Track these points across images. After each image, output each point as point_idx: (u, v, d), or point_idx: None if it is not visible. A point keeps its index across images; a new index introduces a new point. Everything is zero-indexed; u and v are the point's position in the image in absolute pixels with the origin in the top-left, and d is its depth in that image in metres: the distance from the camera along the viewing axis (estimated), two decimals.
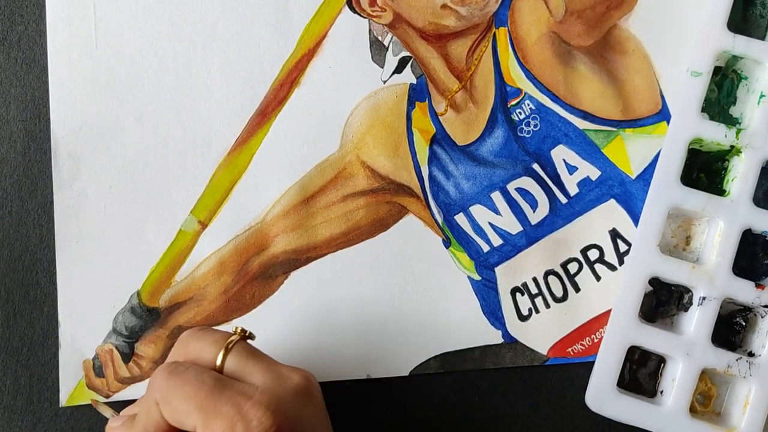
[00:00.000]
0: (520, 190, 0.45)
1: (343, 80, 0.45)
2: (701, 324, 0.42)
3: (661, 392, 0.43)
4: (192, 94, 0.45)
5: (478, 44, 0.45)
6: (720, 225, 0.43)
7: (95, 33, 0.45)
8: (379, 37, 0.45)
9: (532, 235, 0.45)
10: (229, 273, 0.44)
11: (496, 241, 0.45)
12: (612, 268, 0.44)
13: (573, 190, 0.44)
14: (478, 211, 0.45)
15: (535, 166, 0.45)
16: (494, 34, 0.45)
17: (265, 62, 0.45)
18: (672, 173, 0.43)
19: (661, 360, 0.44)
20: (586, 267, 0.44)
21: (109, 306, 0.44)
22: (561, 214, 0.45)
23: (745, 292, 0.42)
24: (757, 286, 0.42)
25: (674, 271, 0.42)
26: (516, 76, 0.45)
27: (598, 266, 0.44)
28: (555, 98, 0.45)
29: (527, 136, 0.45)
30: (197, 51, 0.45)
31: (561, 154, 0.45)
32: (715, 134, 0.43)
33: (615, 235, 0.44)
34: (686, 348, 0.42)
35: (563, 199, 0.45)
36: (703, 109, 0.43)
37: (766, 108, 0.43)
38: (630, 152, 0.44)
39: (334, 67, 0.45)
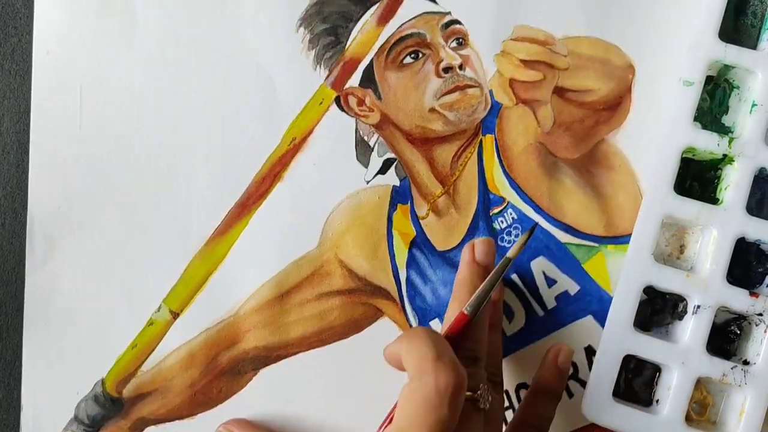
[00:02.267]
0: None
1: (327, 178, 0.45)
2: (696, 332, 0.42)
3: (657, 401, 0.43)
4: (174, 181, 0.45)
5: (463, 150, 0.45)
6: (714, 233, 0.42)
7: (80, 114, 0.45)
8: (365, 137, 0.45)
9: (507, 347, 0.44)
10: (197, 366, 0.44)
11: None
12: (585, 385, 0.44)
13: (551, 303, 0.44)
14: None
15: (514, 277, 0.44)
16: (481, 140, 0.45)
17: (249, 154, 0.45)
18: (665, 182, 0.42)
19: (656, 369, 0.43)
20: None
21: (73, 392, 0.44)
22: (537, 328, 0.44)
23: (739, 300, 0.42)
24: (752, 294, 0.42)
25: (669, 280, 0.42)
26: (500, 185, 0.45)
27: (571, 383, 0.44)
28: (538, 209, 0.44)
29: (507, 245, 0.44)
30: (182, 138, 0.45)
31: (541, 266, 0.44)
32: (708, 143, 0.43)
33: (590, 352, 0.44)
34: (681, 357, 0.42)
35: (540, 312, 0.44)
36: (696, 118, 0.43)
37: (759, 117, 0.42)
38: (610, 269, 0.44)
39: (318, 163, 0.45)
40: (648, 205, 0.42)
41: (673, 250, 0.44)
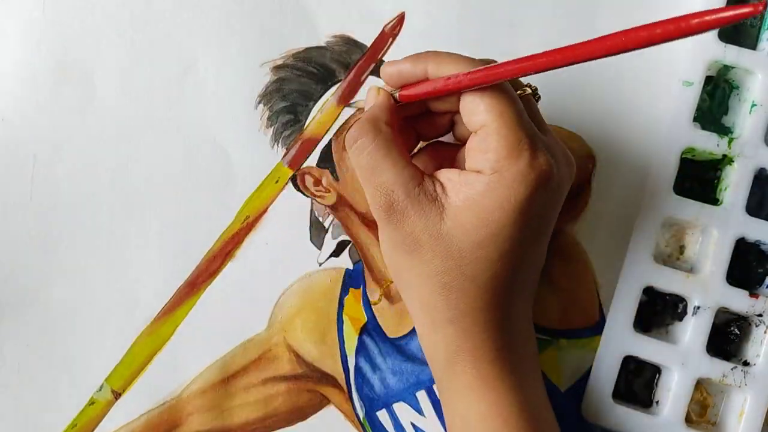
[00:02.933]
0: None
1: (279, 258, 0.44)
2: (696, 333, 0.42)
3: (657, 402, 0.43)
4: (124, 256, 0.44)
5: None
6: (713, 234, 0.42)
7: (32, 184, 0.44)
8: (320, 218, 0.44)
9: None
10: None
11: None
12: None
13: None
14: (401, 409, 0.43)
15: None
16: None
17: (201, 231, 0.44)
18: (665, 183, 0.43)
19: (656, 370, 0.43)
20: None
21: None
22: None
23: (739, 301, 0.42)
24: (752, 295, 0.42)
25: (668, 281, 0.42)
26: None
27: None
28: None
29: None
30: (135, 212, 0.44)
31: None
32: (708, 143, 0.43)
33: None
34: (681, 358, 0.42)
35: None
36: (696, 119, 0.43)
37: (758, 117, 0.43)
38: (562, 364, 0.43)
39: (271, 243, 0.44)
40: (647, 206, 0.42)
41: (672, 251, 0.44)
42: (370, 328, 0.44)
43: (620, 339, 0.42)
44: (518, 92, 0.35)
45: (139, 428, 0.43)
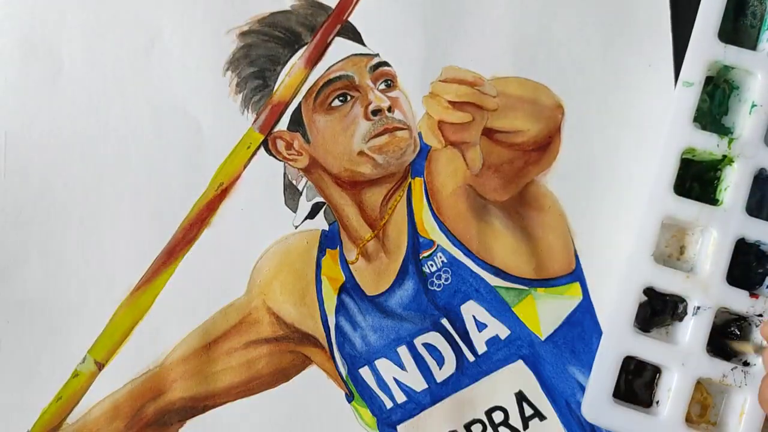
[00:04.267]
0: (428, 346, 0.44)
1: (255, 223, 0.44)
2: (696, 333, 0.42)
3: (657, 402, 0.43)
4: (99, 229, 0.44)
5: (393, 193, 0.44)
6: (713, 234, 0.42)
7: (4, 162, 0.44)
8: (294, 181, 0.45)
9: (437, 393, 0.43)
10: (122, 418, 0.43)
11: (400, 397, 0.43)
12: None
13: (481, 348, 0.44)
14: (383, 365, 0.44)
15: (444, 321, 0.44)
16: (410, 183, 0.44)
17: (175, 200, 0.44)
18: (665, 183, 0.42)
19: (656, 370, 0.43)
20: (490, 429, 0.43)
21: None
22: (467, 373, 0.44)
23: (739, 301, 0.42)
24: (751, 295, 0.42)
25: (668, 281, 0.42)
26: (429, 228, 0.44)
27: (502, 429, 0.43)
28: (467, 252, 0.44)
29: (438, 289, 0.44)
30: (107, 185, 0.44)
31: (471, 310, 0.44)
32: (708, 144, 0.43)
33: (521, 398, 0.43)
34: (681, 358, 0.42)
35: (471, 357, 0.44)
36: (696, 119, 0.43)
37: (758, 117, 0.43)
38: (540, 313, 0.44)
39: (246, 209, 0.44)
40: (648, 207, 0.42)
41: (672, 252, 0.44)
42: (349, 287, 0.44)
43: (620, 339, 0.42)
44: None
45: (124, 397, 0.43)
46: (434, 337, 0.44)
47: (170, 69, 0.45)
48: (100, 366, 0.43)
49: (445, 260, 0.44)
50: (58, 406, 0.43)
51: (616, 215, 0.44)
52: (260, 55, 0.45)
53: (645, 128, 0.44)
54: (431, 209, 0.44)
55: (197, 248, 0.44)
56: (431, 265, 0.44)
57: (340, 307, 0.44)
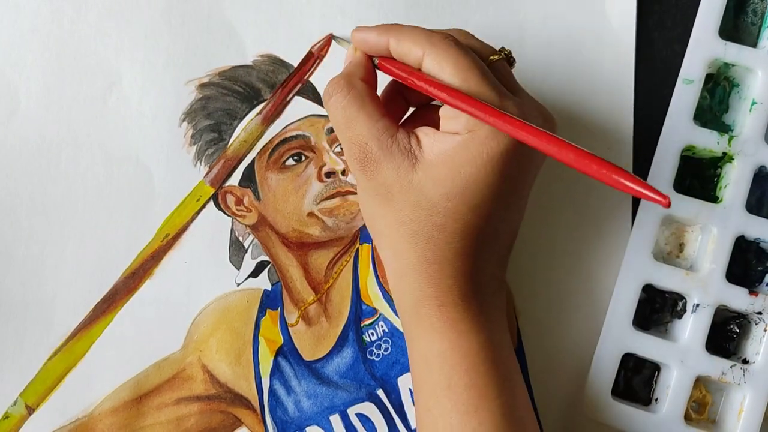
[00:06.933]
0: (361, 416, 0.43)
1: (197, 277, 0.44)
2: (695, 331, 0.42)
3: (656, 400, 0.43)
4: (41, 272, 0.44)
5: (339, 257, 0.44)
6: (713, 232, 0.42)
7: None
8: (240, 238, 0.44)
9: None
10: None
11: None
12: None
13: (415, 422, 0.43)
14: None
15: (380, 392, 0.43)
16: (357, 249, 0.44)
17: (120, 248, 0.44)
18: (665, 180, 0.42)
19: (655, 367, 0.43)
20: None
21: None
22: None
23: (738, 299, 0.42)
24: (751, 293, 0.42)
25: (668, 278, 0.42)
26: (373, 295, 0.44)
27: None
28: None
29: (376, 359, 0.43)
30: (54, 227, 0.44)
31: (408, 383, 0.43)
32: (708, 141, 0.43)
33: None
34: (680, 355, 0.42)
35: (404, 431, 0.43)
36: (696, 117, 0.43)
37: (758, 115, 0.43)
38: None
39: (189, 262, 0.44)
40: (647, 204, 0.42)
41: (672, 249, 0.44)
42: (286, 351, 0.44)
43: (619, 336, 0.42)
44: (492, 57, 0.37)
45: None
46: (368, 408, 0.43)
47: (126, 116, 0.45)
48: (30, 410, 0.43)
49: (387, 330, 0.43)
50: None
51: (562, 302, 0.44)
52: (218, 108, 0.44)
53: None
54: (377, 277, 0.44)
55: (137, 298, 0.44)
56: (372, 334, 0.44)
57: (276, 370, 0.43)
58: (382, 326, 0.44)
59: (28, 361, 0.43)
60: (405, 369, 0.43)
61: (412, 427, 0.43)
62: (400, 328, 0.43)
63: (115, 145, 0.44)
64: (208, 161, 0.44)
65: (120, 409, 0.43)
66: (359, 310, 0.44)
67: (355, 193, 0.44)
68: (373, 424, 0.43)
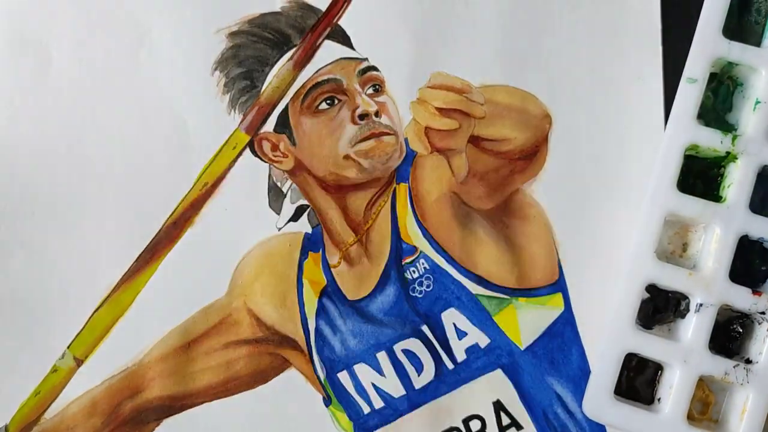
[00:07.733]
0: (407, 352, 0.44)
1: (238, 224, 0.44)
2: (698, 331, 0.42)
3: (659, 399, 0.43)
4: (83, 225, 0.44)
5: (377, 198, 0.44)
6: (716, 231, 0.42)
7: None
8: (278, 183, 0.45)
9: (415, 399, 0.43)
10: (99, 415, 0.43)
11: (378, 403, 0.43)
12: None
13: (461, 356, 0.43)
14: (362, 370, 0.44)
15: (424, 328, 0.44)
16: (394, 189, 0.44)
17: (160, 199, 0.44)
18: (668, 180, 0.42)
19: (658, 367, 0.43)
20: None
21: None
22: (446, 380, 0.43)
23: (742, 298, 0.42)
24: (754, 292, 0.42)
25: (671, 278, 0.42)
26: (413, 234, 0.44)
27: None
28: (450, 260, 0.44)
29: (419, 296, 0.44)
30: (92, 182, 0.44)
31: (452, 318, 0.44)
32: (711, 141, 0.42)
33: (499, 407, 0.43)
34: (683, 355, 0.41)
35: (450, 365, 0.43)
36: (699, 116, 0.43)
37: (762, 114, 0.42)
38: (521, 322, 0.43)
39: (230, 209, 0.44)
40: (651, 203, 0.42)
41: (675, 248, 0.44)
42: (330, 291, 0.44)
43: (622, 336, 0.42)
44: None
45: (101, 394, 0.43)
46: (414, 344, 0.44)
47: (158, 67, 0.45)
48: (79, 362, 0.43)
49: (428, 267, 0.44)
50: (37, 401, 0.43)
51: (601, 226, 0.44)
52: (249, 55, 0.45)
53: (633, 140, 0.44)
54: (415, 215, 0.44)
55: (180, 247, 0.44)
56: (413, 272, 0.44)
57: (321, 311, 0.44)
58: (423, 263, 0.44)
59: (74, 314, 0.44)
60: (448, 305, 0.44)
61: (459, 361, 0.43)
62: (441, 265, 0.44)
63: (149, 97, 0.45)
64: (242, 109, 0.45)
65: (169, 355, 0.43)
66: (399, 248, 0.44)
67: (390, 134, 0.44)
68: (419, 359, 0.44)
